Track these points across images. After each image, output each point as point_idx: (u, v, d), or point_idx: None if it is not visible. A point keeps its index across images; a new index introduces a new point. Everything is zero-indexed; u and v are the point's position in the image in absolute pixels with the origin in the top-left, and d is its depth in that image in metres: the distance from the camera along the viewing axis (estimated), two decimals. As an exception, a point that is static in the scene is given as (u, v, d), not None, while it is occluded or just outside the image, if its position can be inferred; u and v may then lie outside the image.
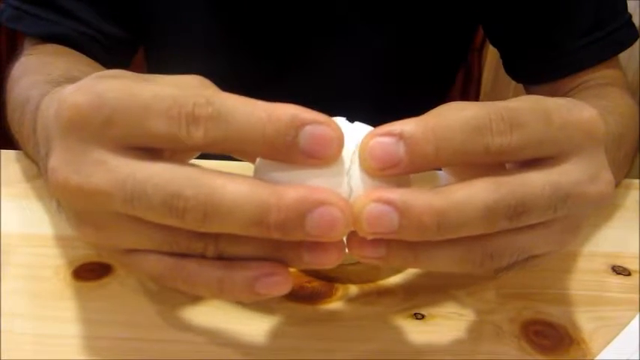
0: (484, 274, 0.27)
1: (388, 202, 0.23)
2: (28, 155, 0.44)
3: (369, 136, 0.23)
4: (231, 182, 0.22)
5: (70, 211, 0.26)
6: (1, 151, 0.47)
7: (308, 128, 0.22)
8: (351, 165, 0.24)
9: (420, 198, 0.23)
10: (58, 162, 0.24)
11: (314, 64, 0.58)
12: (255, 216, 0.22)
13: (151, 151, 0.24)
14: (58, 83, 0.38)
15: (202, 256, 0.24)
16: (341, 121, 0.26)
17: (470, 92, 0.93)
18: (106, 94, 0.23)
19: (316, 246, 0.24)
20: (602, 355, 0.33)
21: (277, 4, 0.55)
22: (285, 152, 0.23)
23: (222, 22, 0.56)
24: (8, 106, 0.45)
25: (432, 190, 0.23)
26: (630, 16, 0.56)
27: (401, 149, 0.23)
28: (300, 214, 0.22)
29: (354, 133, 0.25)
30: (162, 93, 0.23)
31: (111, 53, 0.54)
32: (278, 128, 0.22)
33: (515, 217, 0.24)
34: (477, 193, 0.23)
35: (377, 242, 0.24)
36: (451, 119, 0.23)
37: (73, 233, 0.27)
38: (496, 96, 1.17)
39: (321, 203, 0.22)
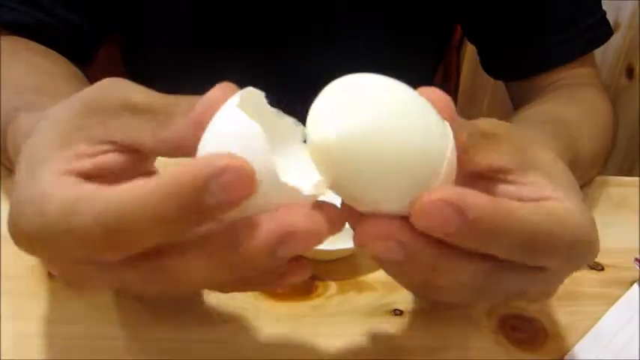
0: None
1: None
2: None
3: (437, 192, 0.22)
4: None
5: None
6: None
7: (213, 183, 0.20)
8: (448, 142, 0.23)
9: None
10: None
11: (292, 57, 0.57)
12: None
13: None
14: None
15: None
16: (251, 92, 0.25)
17: (449, 90, 0.94)
18: (26, 228, 0.24)
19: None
20: (577, 348, 0.33)
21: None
22: (203, 215, 0.21)
23: (201, 13, 0.55)
24: None
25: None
26: (604, 13, 0.57)
27: (455, 223, 0.22)
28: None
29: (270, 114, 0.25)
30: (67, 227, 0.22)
31: (72, 43, 0.52)
32: (179, 203, 0.20)
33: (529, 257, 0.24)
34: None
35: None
36: (514, 225, 0.23)
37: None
38: (474, 93, 1.18)
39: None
